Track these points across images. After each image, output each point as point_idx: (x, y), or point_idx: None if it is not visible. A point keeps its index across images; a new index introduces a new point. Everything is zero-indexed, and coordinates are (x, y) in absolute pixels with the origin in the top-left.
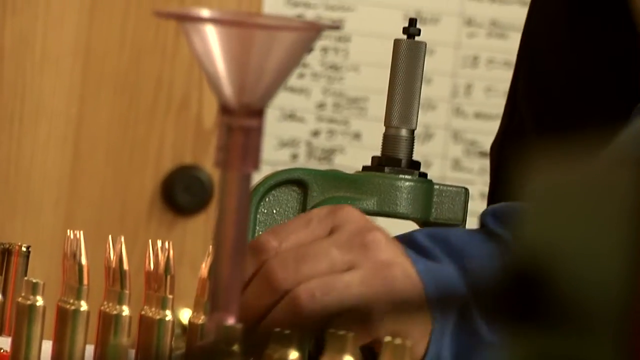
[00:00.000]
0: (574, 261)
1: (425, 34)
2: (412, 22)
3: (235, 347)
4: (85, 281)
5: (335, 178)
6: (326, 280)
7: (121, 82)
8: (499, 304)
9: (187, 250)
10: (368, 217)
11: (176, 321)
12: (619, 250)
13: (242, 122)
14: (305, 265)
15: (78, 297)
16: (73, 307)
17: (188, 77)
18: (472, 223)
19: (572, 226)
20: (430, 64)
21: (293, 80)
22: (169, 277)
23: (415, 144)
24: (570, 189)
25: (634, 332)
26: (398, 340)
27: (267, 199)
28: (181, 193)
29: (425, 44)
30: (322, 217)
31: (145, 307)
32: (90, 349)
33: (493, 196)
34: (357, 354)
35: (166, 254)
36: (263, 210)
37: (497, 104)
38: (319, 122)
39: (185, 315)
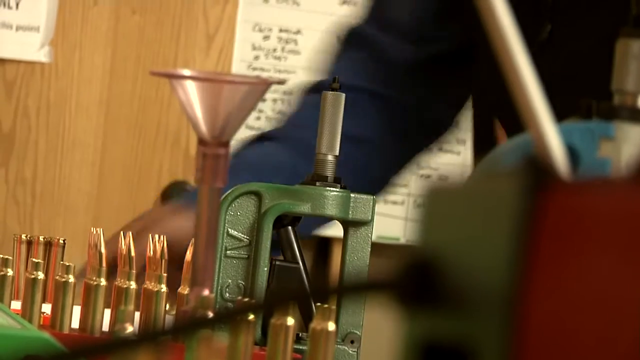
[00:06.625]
0: (465, 256)
1: None
2: (334, 79)
3: (209, 312)
4: (104, 264)
5: (282, 189)
6: None
7: (132, 124)
8: (398, 291)
9: None
10: None
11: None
12: (503, 247)
13: (213, 150)
14: None
15: (99, 276)
16: (95, 283)
17: (179, 120)
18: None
19: (462, 226)
20: None
21: (251, 120)
22: (163, 260)
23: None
24: (460, 193)
25: (517, 315)
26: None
27: (233, 205)
28: (175, 198)
29: (345, 96)
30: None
31: (147, 282)
32: (107, 312)
33: None
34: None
35: (162, 244)
36: (230, 212)
37: None
38: None
39: None
